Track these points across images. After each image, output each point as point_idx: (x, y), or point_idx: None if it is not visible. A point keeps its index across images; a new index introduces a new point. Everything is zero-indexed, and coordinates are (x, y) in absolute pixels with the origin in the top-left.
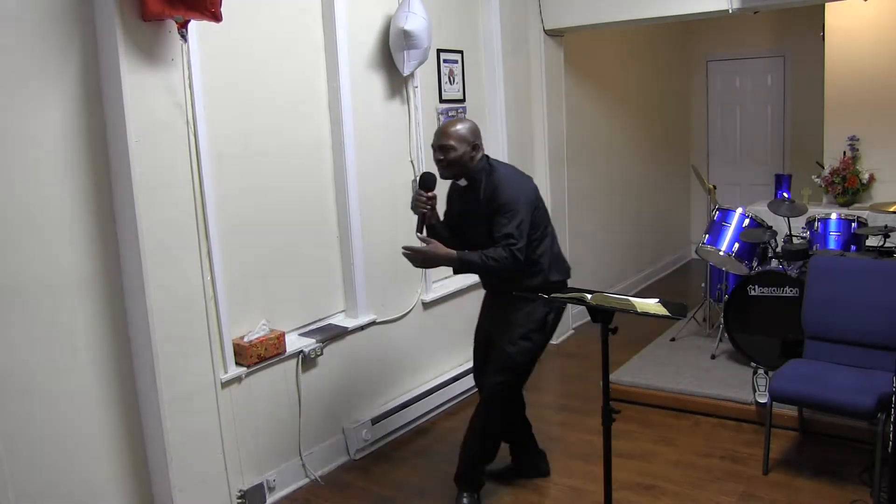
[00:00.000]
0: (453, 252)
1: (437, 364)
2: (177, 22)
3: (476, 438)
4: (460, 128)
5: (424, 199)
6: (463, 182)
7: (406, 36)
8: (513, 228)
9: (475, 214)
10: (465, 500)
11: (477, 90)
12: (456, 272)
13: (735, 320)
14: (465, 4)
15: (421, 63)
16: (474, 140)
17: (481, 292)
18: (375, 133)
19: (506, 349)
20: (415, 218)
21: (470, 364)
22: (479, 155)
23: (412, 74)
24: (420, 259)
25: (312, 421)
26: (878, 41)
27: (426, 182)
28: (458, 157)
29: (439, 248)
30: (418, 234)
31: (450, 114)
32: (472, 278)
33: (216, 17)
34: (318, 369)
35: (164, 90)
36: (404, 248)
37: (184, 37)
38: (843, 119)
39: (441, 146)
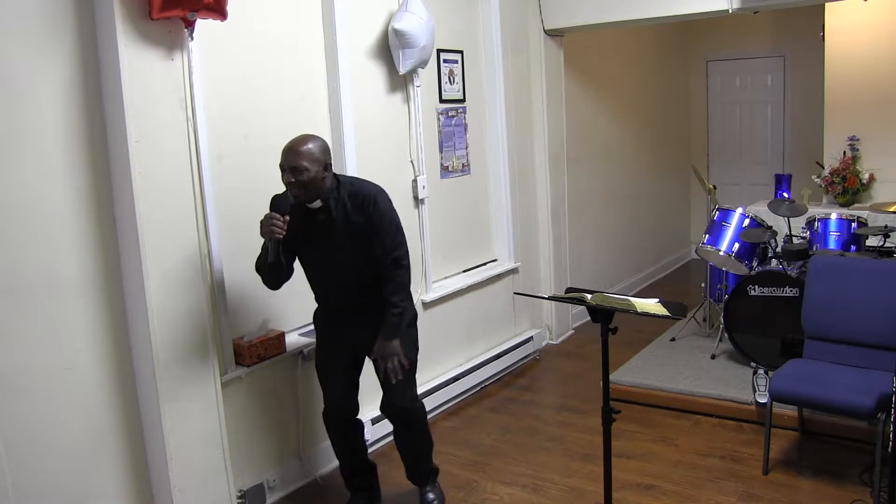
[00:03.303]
0: (391, 329)
1: (436, 364)
2: (189, 20)
3: (421, 442)
4: (312, 147)
5: (281, 223)
6: (317, 204)
7: (398, 35)
8: (398, 245)
9: (335, 236)
10: (430, 496)
11: (477, 90)
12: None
13: (735, 320)
14: (465, 4)
15: (420, 62)
16: (325, 160)
17: (481, 292)
18: (375, 133)
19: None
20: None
21: (468, 365)
22: (330, 175)
23: (414, 74)
24: (398, 360)
25: (312, 421)
26: (878, 41)
27: (280, 204)
28: (310, 178)
29: (387, 342)
30: (272, 262)
31: (449, 114)
32: (473, 278)
33: (224, 15)
34: None
35: (164, 90)
36: (386, 373)
37: (191, 35)
38: (843, 119)
39: (292, 167)
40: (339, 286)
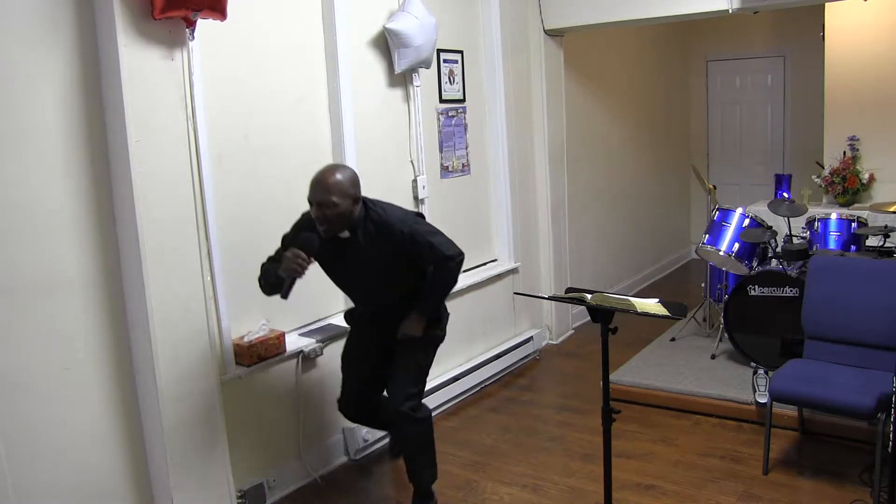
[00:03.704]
0: (417, 310)
1: (436, 364)
2: (192, 19)
3: (423, 456)
4: (341, 179)
5: (305, 266)
6: (346, 234)
7: (390, 34)
8: (439, 246)
9: (361, 262)
10: None
11: (477, 90)
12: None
13: (735, 320)
14: (465, 4)
15: (418, 62)
16: (355, 192)
17: (481, 292)
18: (375, 133)
19: (417, 359)
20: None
21: (468, 365)
22: (359, 206)
23: (414, 74)
24: (418, 332)
25: (312, 421)
26: (878, 41)
27: (307, 244)
28: (339, 213)
29: (412, 319)
30: (284, 298)
31: (449, 114)
32: (473, 278)
33: (224, 15)
34: (318, 369)
35: (164, 90)
36: (402, 336)
37: (192, 35)
38: (843, 119)
39: (321, 202)
40: (364, 301)
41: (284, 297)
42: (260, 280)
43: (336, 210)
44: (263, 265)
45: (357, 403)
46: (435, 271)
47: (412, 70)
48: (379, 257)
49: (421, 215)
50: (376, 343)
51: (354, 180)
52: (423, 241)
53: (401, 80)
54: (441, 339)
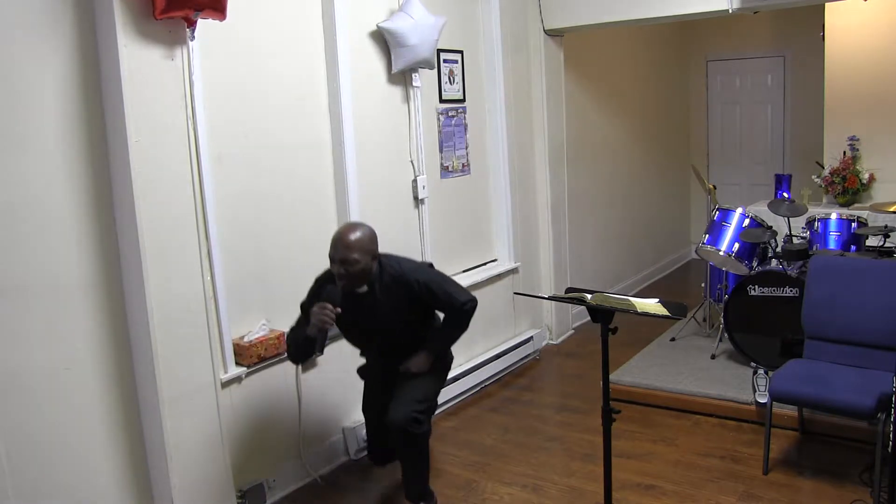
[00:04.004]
0: (426, 349)
1: None
2: (193, 19)
3: (414, 461)
4: (361, 236)
5: (332, 316)
6: (364, 289)
7: (385, 34)
8: (454, 293)
9: (378, 314)
10: None
11: (477, 90)
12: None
13: (735, 320)
14: (465, 4)
15: (415, 62)
16: (374, 248)
17: (481, 292)
18: (375, 133)
19: (428, 382)
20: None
21: (468, 365)
22: (377, 261)
23: (414, 73)
24: (424, 369)
25: (312, 421)
26: (878, 41)
27: (331, 295)
28: (361, 269)
29: (420, 356)
30: (319, 353)
31: (449, 114)
32: (473, 278)
33: (223, 14)
34: (318, 369)
35: (164, 89)
36: (405, 369)
37: (192, 35)
38: (843, 119)
39: (343, 259)
40: (378, 349)
41: (321, 351)
42: (289, 349)
43: (358, 266)
44: (288, 336)
45: (381, 444)
46: (449, 317)
47: (412, 70)
48: (395, 308)
49: (430, 265)
50: (384, 381)
51: (373, 237)
52: (438, 289)
53: (401, 80)
54: (447, 369)
